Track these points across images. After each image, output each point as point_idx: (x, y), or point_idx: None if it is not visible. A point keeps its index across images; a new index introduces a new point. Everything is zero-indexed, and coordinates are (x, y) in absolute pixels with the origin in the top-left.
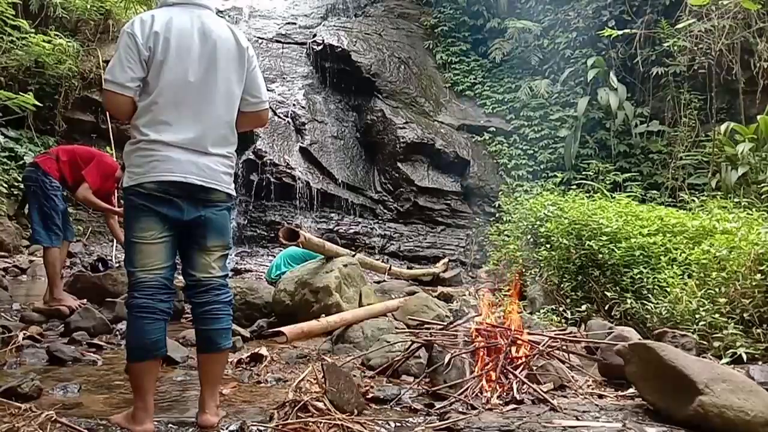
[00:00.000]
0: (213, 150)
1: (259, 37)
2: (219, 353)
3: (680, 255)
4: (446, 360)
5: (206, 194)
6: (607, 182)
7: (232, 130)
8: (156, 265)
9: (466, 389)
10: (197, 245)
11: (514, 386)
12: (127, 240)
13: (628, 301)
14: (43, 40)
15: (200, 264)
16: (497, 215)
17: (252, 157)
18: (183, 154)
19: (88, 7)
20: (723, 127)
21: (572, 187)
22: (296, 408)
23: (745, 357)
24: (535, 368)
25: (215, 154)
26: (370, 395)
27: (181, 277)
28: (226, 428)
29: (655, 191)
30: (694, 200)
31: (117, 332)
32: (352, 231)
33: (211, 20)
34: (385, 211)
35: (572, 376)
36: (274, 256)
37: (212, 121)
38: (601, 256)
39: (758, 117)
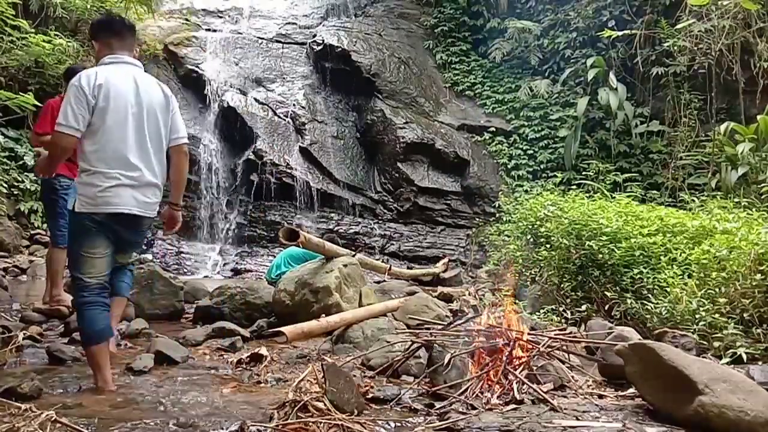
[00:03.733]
0: (151, 181)
1: (259, 37)
2: (120, 297)
3: (680, 255)
4: (446, 360)
5: (140, 221)
6: (607, 182)
7: (162, 165)
8: (100, 273)
9: (466, 389)
10: (119, 250)
11: (514, 386)
12: (76, 253)
13: (628, 301)
14: (43, 40)
15: (120, 258)
16: (497, 215)
17: (252, 157)
18: (126, 191)
19: (88, 7)
20: (723, 127)
21: (572, 187)
22: (296, 408)
23: (745, 357)
24: (535, 368)
25: (152, 185)
26: (370, 395)
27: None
28: (226, 428)
29: (655, 191)
30: (694, 200)
31: (117, 332)
32: (352, 231)
33: (142, 75)
34: (385, 211)
35: (572, 376)
36: (274, 256)
37: (148, 158)
38: (601, 256)
39: (758, 117)
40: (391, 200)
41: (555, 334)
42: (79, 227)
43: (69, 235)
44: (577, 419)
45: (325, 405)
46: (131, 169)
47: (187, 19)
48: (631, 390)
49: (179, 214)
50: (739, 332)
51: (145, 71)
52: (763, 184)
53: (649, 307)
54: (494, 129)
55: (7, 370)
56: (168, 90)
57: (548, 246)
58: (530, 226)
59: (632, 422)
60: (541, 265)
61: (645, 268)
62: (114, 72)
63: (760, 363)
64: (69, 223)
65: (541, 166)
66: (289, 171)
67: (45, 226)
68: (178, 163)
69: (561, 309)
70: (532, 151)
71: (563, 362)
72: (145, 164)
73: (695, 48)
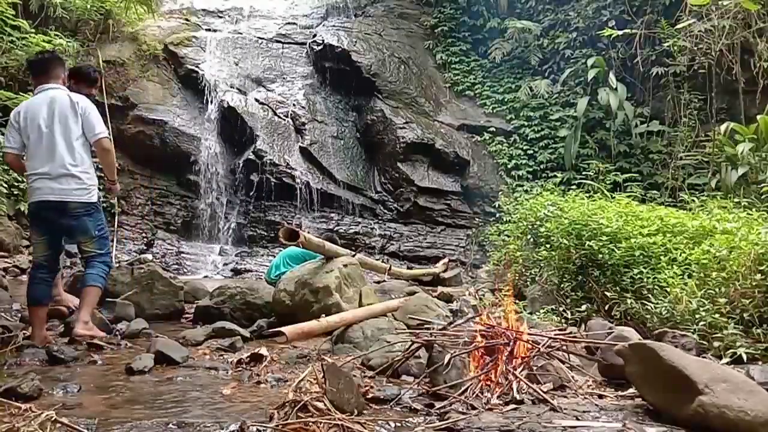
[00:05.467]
0: (61, 172)
1: (259, 37)
2: (89, 287)
3: (680, 255)
4: (446, 360)
5: (63, 206)
6: (607, 182)
7: (78, 159)
8: (39, 253)
9: (466, 389)
10: (74, 240)
11: (514, 386)
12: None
13: (628, 301)
14: (43, 40)
15: (80, 249)
16: (497, 215)
17: (252, 157)
18: (42, 182)
19: (88, 7)
20: (723, 127)
21: (572, 187)
22: (296, 408)
23: (745, 357)
24: (535, 368)
25: (65, 175)
26: (370, 395)
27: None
28: (227, 428)
29: (655, 191)
30: (694, 200)
31: (117, 332)
32: (352, 231)
33: (57, 94)
34: (385, 211)
35: (572, 376)
36: (274, 256)
37: (59, 156)
38: (601, 256)
39: (758, 117)
40: (391, 200)
41: (555, 334)
42: (28, 218)
43: None
44: (577, 419)
45: (325, 405)
46: (44, 165)
47: (187, 19)
48: (631, 390)
49: (114, 187)
50: (739, 332)
51: (146, 70)
52: (763, 184)
53: (649, 307)
54: (494, 129)
55: (7, 370)
56: (79, 98)
57: (548, 246)
58: (530, 226)
59: (632, 422)
60: (541, 265)
61: (645, 268)
62: (34, 100)
63: (760, 363)
64: None
65: (541, 166)
66: (289, 171)
67: None
68: (99, 155)
69: (561, 309)
70: (532, 151)
71: (563, 362)
72: (56, 159)
73: (695, 48)
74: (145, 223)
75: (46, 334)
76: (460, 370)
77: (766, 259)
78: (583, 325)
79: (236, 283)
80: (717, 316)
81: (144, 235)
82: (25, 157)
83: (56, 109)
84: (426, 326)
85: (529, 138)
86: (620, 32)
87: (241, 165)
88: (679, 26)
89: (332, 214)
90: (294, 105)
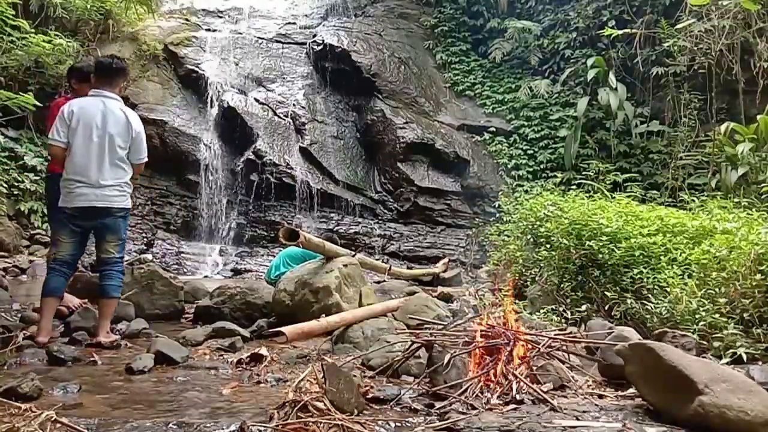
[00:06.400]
0: (105, 183)
1: (259, 37)
2: (110, 299)
3: (680, 255)
4: (446, 360)
5: (103, 210)
6: (607, 182)
7: (121, 169)
8: (65, 252)
9: (466, 389)
10: (100, 238)
11: (514, 386)
12: (53, 236)
13: (628, 301)
14: (43, 40)
15: (102, 249)
16: (497, 215)
17: (252, 157)
18: (87, 188)
19: (88, 7)
20: (723, 127)
21: (572, 187)
22: (296, 408)
23: (745, 357)
24: (535, 368)
25: (108, 185)
26: (370, 395)
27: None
28: (227, 428)
29: (655, 191)
30: (694, 200)
31: (117, 332)
32: (352, 231)
33: (112, 103)
34: (385, 211)
35: (572, 376)
36: (274, 256)
37: (104, 167)
38: (601, 256)
39: (758, 117)
40: (391, 200)
41: (555, 334)
42: (58, 218)
43: (54, 224)
44: (577, 419)
45: (325, 405)
46: (89, 175)
47: (187, 19)
48: (631, 390)
49: None
50: (739, 332)
51: (146, 70)
52: (763, 184)
53: (649, 307)
54: (494, 129)
55: (7, 370)
56: (134, 118)
57: (548, 246)
58: (530, 226)
59: (632, 422)
60: (541, 265)
61: (645, 268)
62: (89, 103)
63: (760, 363)
64: (54, 215)
65: (541, 166)
66: (289, 171)
67: (45, 226)
68: (136, 175)
69: (561, 309)
70: (532, 151)
71: (563, 362)
72: (101, 172)
73: (695, 48)
74: (145, 223)
75: (51, 327)
76: (460, 370)
77: (766, 259)
78: (583, 325)
79: (236, 283)
80: (717, 316)
81: (144, 235)
82: (67, 152)
83: (110, 123)
84: (426, 326)
85: (529, 138)
86: (620, 32)
87: (241, 165)
88: (679, 26)
89: (332, 214)
90: (294, 105)
